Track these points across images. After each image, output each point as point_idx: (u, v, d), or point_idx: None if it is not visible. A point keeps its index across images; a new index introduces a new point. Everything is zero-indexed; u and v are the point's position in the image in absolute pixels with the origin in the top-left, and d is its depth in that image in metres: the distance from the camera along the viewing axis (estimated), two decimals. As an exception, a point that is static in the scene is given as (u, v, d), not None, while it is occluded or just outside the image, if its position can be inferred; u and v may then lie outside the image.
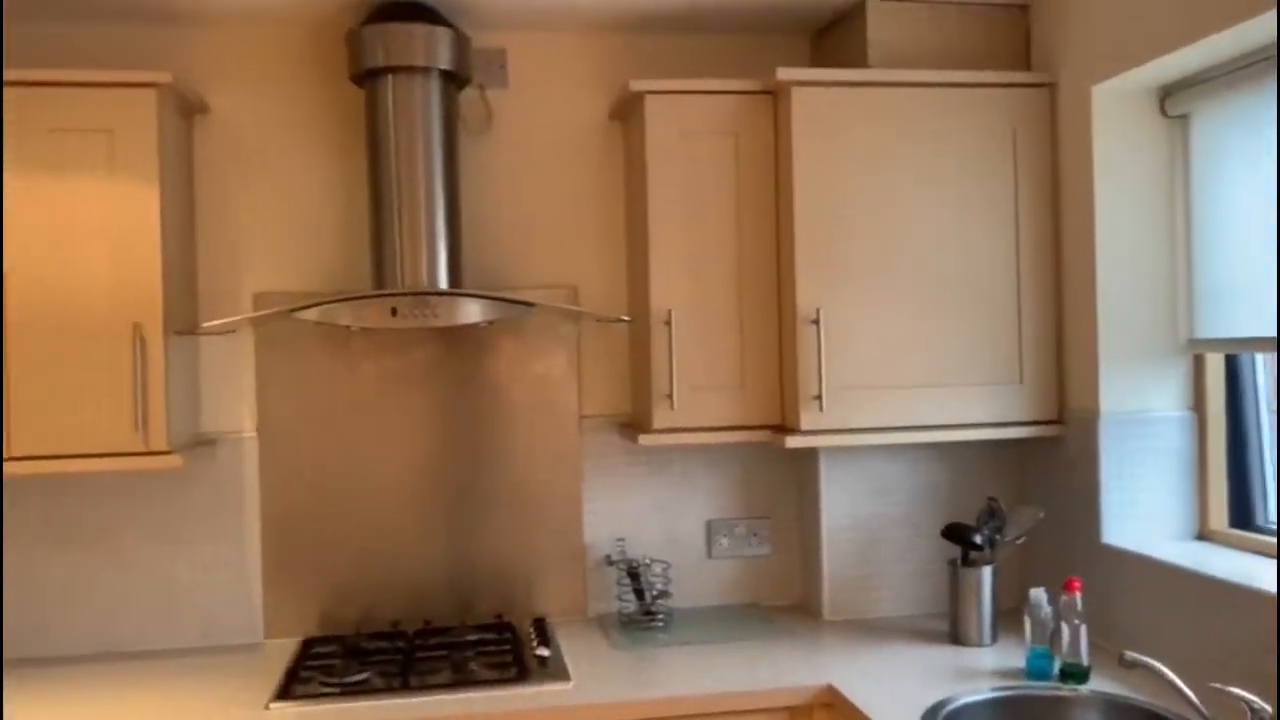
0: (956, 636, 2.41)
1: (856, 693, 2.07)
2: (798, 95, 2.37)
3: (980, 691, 2.05)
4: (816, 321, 2.36)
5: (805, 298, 2.37)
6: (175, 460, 2.24)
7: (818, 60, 2.78)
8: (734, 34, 2.75)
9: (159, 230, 2.24)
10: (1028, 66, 2.55)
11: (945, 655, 2.32)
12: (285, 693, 2.13)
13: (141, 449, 2.22)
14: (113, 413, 2.22)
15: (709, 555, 2.77)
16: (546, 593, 2.69)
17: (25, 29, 2.47)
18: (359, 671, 2.23)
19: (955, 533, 2.44)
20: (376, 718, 2.01)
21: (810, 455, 2.68)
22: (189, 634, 2.55)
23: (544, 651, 2.31)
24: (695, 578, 2.76)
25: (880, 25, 2.49)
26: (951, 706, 1.96)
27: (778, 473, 2.79)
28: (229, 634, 2.56)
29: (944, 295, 2.41)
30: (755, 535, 2.78)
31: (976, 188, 2.43)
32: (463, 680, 2.18)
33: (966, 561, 2.43)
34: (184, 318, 2.42)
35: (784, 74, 2.37)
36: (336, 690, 2.14)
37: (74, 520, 2.50)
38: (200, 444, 2.49)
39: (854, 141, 2.38)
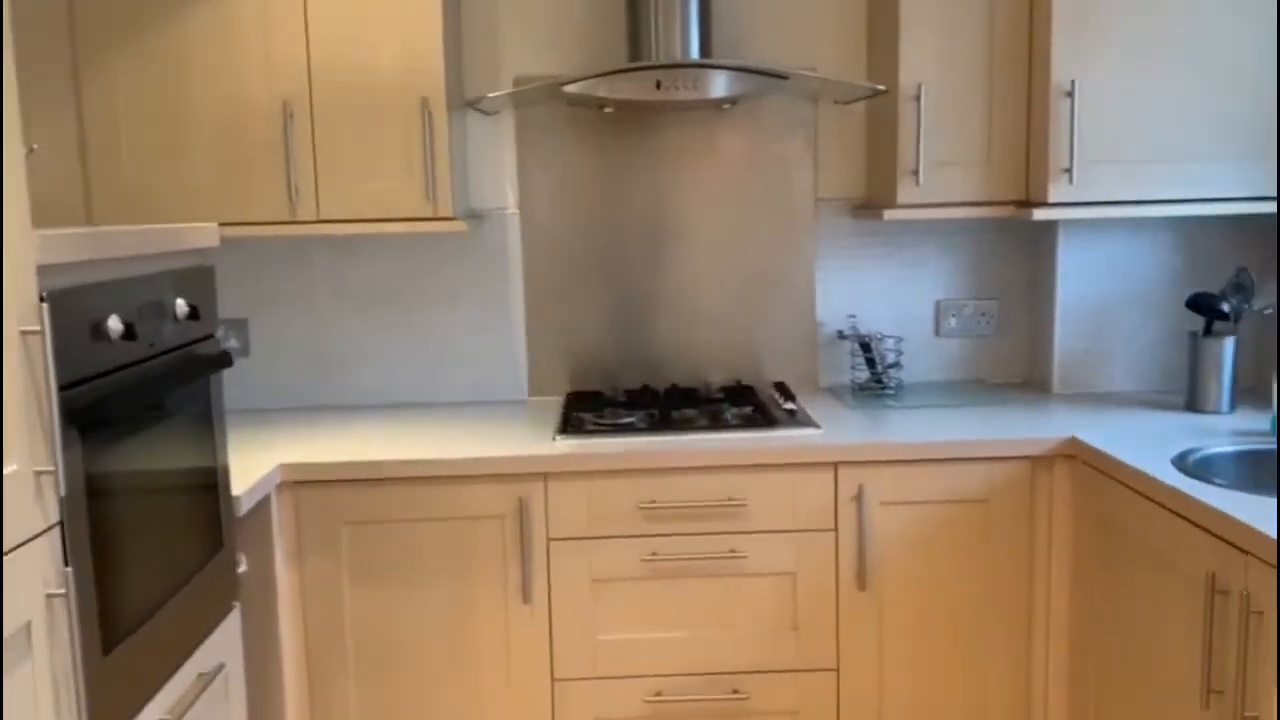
0: (1194, 405, 2.48)
1: (1099, 443, 2.18)
2: None
3: (1228, 443, 2.12)
4: (1070, 94, 2.37)
5: (1061, 69, 2.37)
6: (461, 225, 2.48)
7: None
8: None
9: (441, 11, 2.41)
10: None
11: (1184, 419, 2.40)
12: (565, 430, 2.40)
13: (431, 214, 2.47)
14: (405, 181, 2.46)
15: (937, 334, 2.88)
16: (779, 364, 2.86)
17: None
18: (625, 417, 2.48)
19: (1201, 302, 2.46)
20: (650, 451, 2.25)
21: (1049, 234, 2.72)
22: (462, 389, 2.86)
23: (790, 405, 2.50)
24: (922, 355, 2.88)
25: None
26: (1200, 454, 2.05)
27: (1010, 255, 2.85)
28: (498, 391, 2.86)
29: (1203, 67, 2.37)
30: (984, 315, 2.87)
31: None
32: (720, 425, 2.40)
33: (1209, 333, 2.46)
34: (455, 99, 2.61)
35: None
36: (610, 428, 2.39)
37: (364, 281, 2.80)
38: (470, 217, 2.73)
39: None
